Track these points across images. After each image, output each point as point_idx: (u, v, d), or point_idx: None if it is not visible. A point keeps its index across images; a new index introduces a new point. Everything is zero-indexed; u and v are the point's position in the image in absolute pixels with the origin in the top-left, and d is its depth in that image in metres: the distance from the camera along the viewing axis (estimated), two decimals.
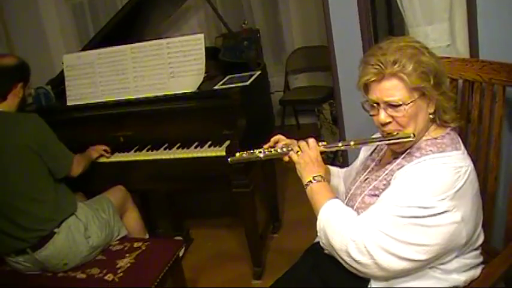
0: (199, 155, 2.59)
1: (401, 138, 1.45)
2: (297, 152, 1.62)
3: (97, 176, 2.69)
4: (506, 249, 1.66)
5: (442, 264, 1.45)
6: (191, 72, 2.75)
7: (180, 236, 3.23)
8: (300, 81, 5.05)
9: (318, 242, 1.56)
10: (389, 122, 1.46)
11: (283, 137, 1.76)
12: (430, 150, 1.45)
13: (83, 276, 2.25)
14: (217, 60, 3.19)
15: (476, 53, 1.99)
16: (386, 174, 1.52)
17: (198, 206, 3.90)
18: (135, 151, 2.76)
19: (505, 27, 1.92)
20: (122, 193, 2.66)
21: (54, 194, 2.30)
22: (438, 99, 1.45)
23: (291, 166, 1.66)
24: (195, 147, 2.64)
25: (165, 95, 2.78)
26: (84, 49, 3.19)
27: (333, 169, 1.89)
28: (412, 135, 1.43)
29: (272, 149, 1.72)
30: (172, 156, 2.64)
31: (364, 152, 1.80)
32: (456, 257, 1.46)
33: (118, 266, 2.26)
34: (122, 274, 2.21)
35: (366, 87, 1.49)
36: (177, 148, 2.67)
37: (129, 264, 2.26)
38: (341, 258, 1.44)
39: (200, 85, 2.73)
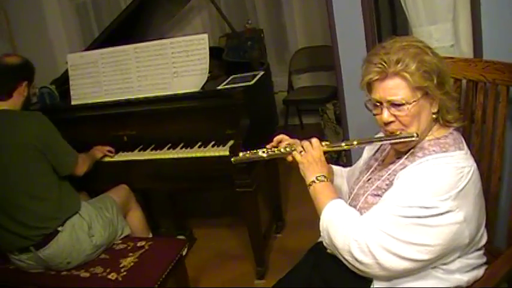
0: (203, 154, 2.59)
1: (404, 138, 1.44)
2: (300, 151, 1.62)
3: (101, 175, 2.70)
4: (509, 249, 1.66)
5: (444, 264, 1.45)
6: (195, 72, 2.76)
7: (183, 236, 3.23)
8: (303, 81, 5.05)
9: (321, 242, 1.56)
10: (393, 121, 1.46)
11: (286, 137, 1.77)
12: (433, 150, 1.44)
13: (87, 275, 2.25)
14: (220, 60, 3.19)
15: (480, 53, 1.99)
16: (389, 174, 1.52)
17: (201, 206, 3.91)
18: (139, 150, 2.77)
19: (508, 27, 1.92)
20: (125, 192, 2.66)
21: (58, 193, 2.31)
22: (441, 99, 1.45)
23: (294, 166, 1.66)
24: (199, 147, 2.64)
25: (169, 95, 2.79)
26: (88, 49, 3.19)
27: (336, 169, 1.89)
28: (415, 134, 1.43)
29: (275, 149, 1.72)
30: (175, 156, 2.64)
31: (368, 151, 1.80)
32: (459, 257, 1.46)
33: (121, 265, 2.27)
34: (125, 273, 2.21)
35: (369, 87, 1.49)
36: (181, 148, 2.68)
37: (132, 264, 2.27)
38: (343, 258, 1.44)
39: (204, 85, 2.74)
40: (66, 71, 3.05)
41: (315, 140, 1.62)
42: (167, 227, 3.44)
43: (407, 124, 1.44)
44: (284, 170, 3.22)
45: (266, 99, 3.07)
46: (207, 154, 2.58)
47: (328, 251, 1.54)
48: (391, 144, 1.55)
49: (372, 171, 1.65)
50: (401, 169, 1.47)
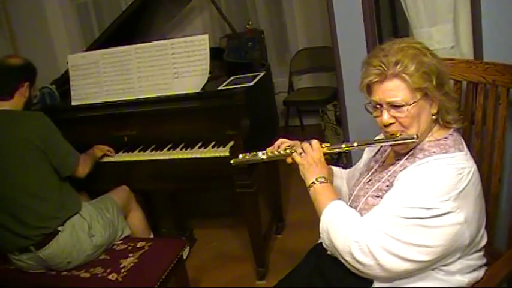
0: (203, 155, 2.59)
1: (404, 139, 1.45)
2: (300, 153, 1.62)
3: (101, 176, 2.70)
4: (509, 251, 1.66)
5: (445, 265, 1.45)
6: (195, 72, 2.76)
7: (183, 236, 3.23)
8: (304, 82, 5.05)
9: (321, 243, 1.56)
10: (393, 123, 1.46)
11: (286, 140, 1.76)
12: (433, 151, 1.44)
13: (87, 275, 2.25)
14: (221, 60, 3.19)
15: (481, 54, 1.99)
16: (389, 175, 1.52)
17: (202, 206, 3.91)
18: (139, 151, 2.77)
19: (509, 29, 1.92)
20: (125, 193, 2.67)
21: (59, 193, 2.31)
22: (441, 100, 1.45)
23: (294, 167, 1.66)
24: (199, 148, 2.64)
25: (169, 96, 2.79)
26: (88, 49, 3.20)
27: (336, 170, 1.89)
28: (415, 136, 1.43)
29: (275, 151, 1.71)
30: (176, 157, 2.65)
31: (368, 153, 1.80)
32: (459, 258, 1.46)
33: (122, 265, 2.27)
34: (125, 274, 2.21)
35: (369, 89, 1.50)
36: (181, 148, 2.68)
37: (132, 264, 2.27)
38: (344, 259, 1.44)
39: (204, 85, 2.74)
40: (67, 71, 3.06)
41: (314, 142, 1.62)
42: (168, 228, 3.44)
43: (407, 125, 1.44)
44: (284, 170, 3.21)
45: (267, 100, 3.07)
46: (208, 155, 2.58)
47: (329, 252, 1.54)
48: (391, 145, 1.55)
49: (372, 173, 1.65)
50: (401, 170, 1.47)
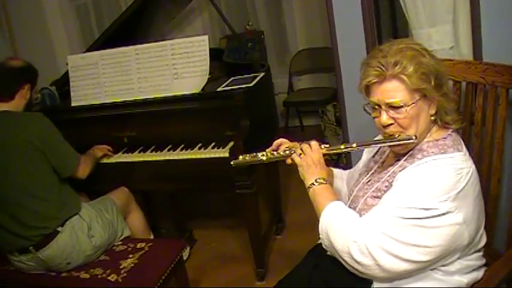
0: (203, 156, 2.59)
1: (403, 140, 1.45)
2: (300, 154, 1.62)
3: (101, 177, 2.70)
4: (509, 251, 1.66)
5: (444, 265, 1.45)
6: (195, 73, 2.76)
7: (183, 237, 3.23)
8: (303, 83, 5.05)
9: (321, 244, 1.56)
10: (391, 124, 1.46)
11: (285, 140, 1.77)
12: (432, 151, 1.45)
13: (86, 276, 2.26)
14: (221, 61, 3.20)
15: (480, 55, 2.00)
16: (388, 176, 1.53)
17: (202, 207, 3.91)
18: (139, 152, 2.77)
19: (508, 30, 1.92)
20: (125, 194, 2.67)
21: (58, 194, 2.31)
22: (439, 101, 1.46)
23: (294, 168, 1.66)
24: (199, 148, 2.64)
25: (169, 96, 2.79)
26: (88, 50, 3.20)
27: (336, 171, 1.90)
28: (413, 136, 1.43)
29: (275, 152, 1.72)
30: (176, 157, 2.65)
31: (367, 153, 1.80)
32: (458, 258, 1.46)
33: (121, 266, 2.27)
34: (125, 274, 2.21)
35: (367, 90, 1.50)
36: (181, 149, 2.68)
37: (132, 265, 2.27)
38: (343, 259, 1.44)
39: (204, 86, 2.74)
40: (67, 72, 3.06)
41: (313, 143, 1.63)
42: (168, 228, 3.44)
43: (406, 126, 1.45)
44: (284, 171, 3.22)
45: (266, 101, 3.07)
46: (207, 155, 2.58)
47: (328, 253, 1.55)
48: (390, 146, 1.56)
49: (372, 174, 1.65)
50: (400, 171, 1.47)
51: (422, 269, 1.42)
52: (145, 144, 2.81)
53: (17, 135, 2.24)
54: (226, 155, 2.51)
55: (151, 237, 2.76)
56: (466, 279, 1.49)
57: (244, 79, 2.85)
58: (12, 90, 2.35)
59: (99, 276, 2.23)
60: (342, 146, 1.61)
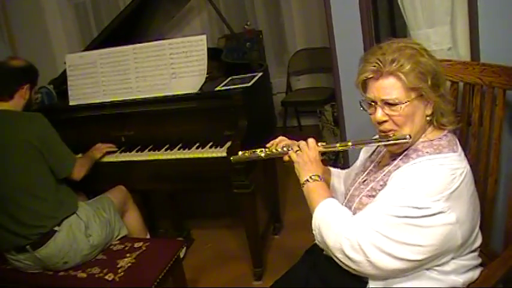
0: (201, 155, 2.59)
1: (397, 139, 1.46)
2: (296, 151, 1.64)
3: (98, 176, 2.69)
4: (505, 251, 1.67)
5: (438, 265, 1.45)
6: (193, 73, 2.76)
7: (180, 236, 3.23)
8: (302, 83, 5.06)
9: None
10: (386, 121, 1.47)
11: (284, 138, 1.78)
12: (427, 151, 1.45)
13: (84, 275, 2.26)
14: (219, 61, 3.19)
15: (477, 56, 2.00)
16: (383, 175, 1.53)
17: (199, 207, 3.91)
18: (137, 151, 2.77)
19: (506, 31, 1.92)
20: (122, 193, 2.67)
21: (56, 193, 2.31)
22: (436, 101, 1.46)
23: (290, 165, 1.67)
24: (197, 148, 2.64)
25: (167, 96, 2.79)
26: (86, 49, 3.20)
27: (334, 170, 1.90)
28: (408, 136, 1.44)
29: (273, 149, 1.74)
30: (173, 157, 2.65)
31: (364, 153, 1.81)
32: (453, 258, 1.46)
33: (119, 265, 2.27)
34: (122, 274, 2.21)
35: (364, 86, 1.51)
36: (179, 149, 2.68)
37: (129, 264, 2.27)
38: (335, 256, 1.45)
39: (202, 86, 2.74)
40: (65, 71, 3.05)
41: (311, 140, 1.64)
42: (165, 228, 3.45)
43: (401, 124, 1.45)
44: (282, 171, 3.23)
45: (264, 101, 3.08)
46: (205, 155, 2.58)
47: (325, 252, 1.55)
48: (385, 146, 1.56)
49: (368, 173, 1.66)
50: (395, 170, 1.48)
51: (415, 268, 1.42)
52: (143, 143, 2.80)
53: (16, 134, 2.25)
54: (224, 154, 2.51)
55: (148, 236, 2.75)
56: (462, 279, 1.49)
57: (243, 79, 2.85)
58: (11, 90, 2.35)
59: (96, 276, 2.23)
60: (338, 144, 1.62)
